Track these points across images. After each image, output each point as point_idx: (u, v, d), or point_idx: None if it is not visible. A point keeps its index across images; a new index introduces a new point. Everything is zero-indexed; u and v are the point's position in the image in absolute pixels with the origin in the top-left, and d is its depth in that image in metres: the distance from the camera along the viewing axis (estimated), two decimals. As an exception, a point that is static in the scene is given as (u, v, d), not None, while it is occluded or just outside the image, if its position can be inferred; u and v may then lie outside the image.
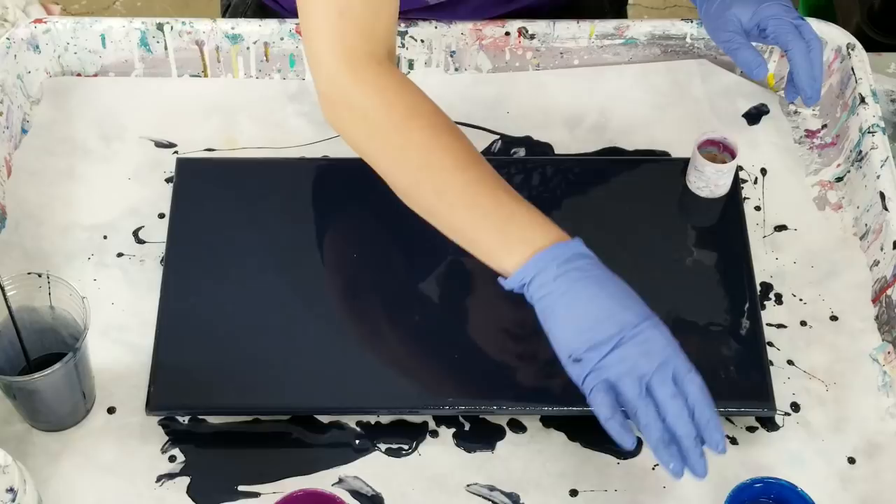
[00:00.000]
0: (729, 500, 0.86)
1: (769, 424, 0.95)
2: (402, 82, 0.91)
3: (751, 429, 0.95)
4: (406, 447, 0.94)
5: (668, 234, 1.04)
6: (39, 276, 0.90)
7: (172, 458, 0.93)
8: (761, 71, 1.05)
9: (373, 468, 0.92)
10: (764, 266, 1.03)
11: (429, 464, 0.93)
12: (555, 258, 0.84)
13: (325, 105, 0.92)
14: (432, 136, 0.89)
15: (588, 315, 0.83)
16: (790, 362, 0.98)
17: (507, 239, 0.86)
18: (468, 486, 0.92)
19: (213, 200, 1.05)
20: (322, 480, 0.92)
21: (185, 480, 0.92)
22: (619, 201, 1.06)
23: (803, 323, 1.00)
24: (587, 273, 0.84)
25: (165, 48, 1.14)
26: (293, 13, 1.15)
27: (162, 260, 1.02)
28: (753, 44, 1.07)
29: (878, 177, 1.04)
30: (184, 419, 0.94)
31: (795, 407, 0.96)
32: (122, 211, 1.06)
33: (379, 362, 0.96)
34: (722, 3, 1.06)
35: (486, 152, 1.10)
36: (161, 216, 1.05)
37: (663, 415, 0.82)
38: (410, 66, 1.15)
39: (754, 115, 1.14)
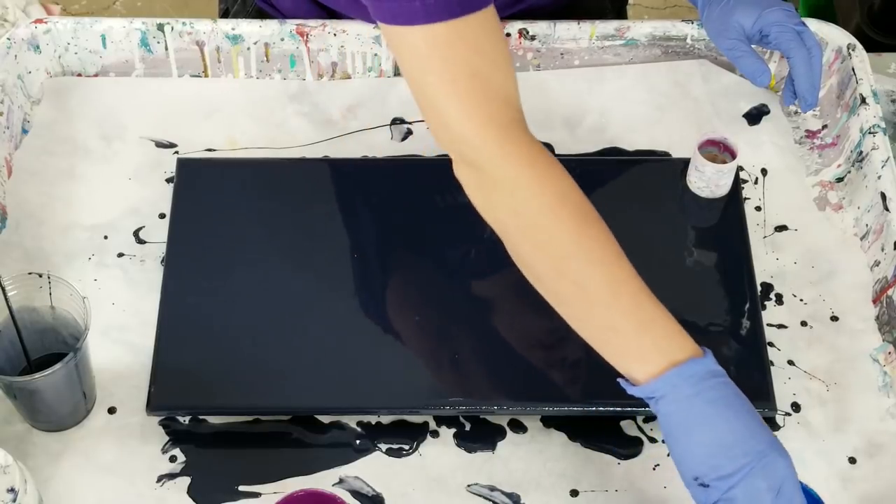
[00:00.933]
0: None
1: (770, 424, 0.95)
2: (552, 161, 0.86)
3: (751, 429, 0.95)
4: (407, 447, 0.94)
5: (668, 234, 1.04)
6: (40, 276, 0.90)
7: (173, 459, 0.93)
8: (765, 79, 1.05)
9: (373, 468, 0.92)
10: (764, 266, 1.03)
11: (429, 464, 0.93)
12: (691, 376, 0.81)
13: (464, 171, 0.87)
14: (582, 224, 0.84)
15: (719, 440, 0.80)
16: (791, 362, 0.98)
17: (642, 345, 0.82)
18: (469, 486, 0.92)
19: (214, 200, 1.05)
20: (323, 480, 0.92)
21: (186, 480, 0.92)
22: (619, 201, 1.05)
23: (804, 323, 1.00)
24: (720, 394, 0.81)
25: (166, 48, 1.14)
26: (287, 15, 1.15)
27: (162, 260, 1.02)
28: (754, 47, 1.07)
29: (879, 177, 1.04)
30: (184, 419, 0.94)
31: (796, 407, 0.96)
32: (123, 211, 1.06)
33: (379, 362, 0.96)
34: (724, 8, 1.06)
35: (487, 152, 1.10)
36: (161, 216, 1.05)
37: None
38: (411, 66, 1.15)
39: (755, 116, 1.13)
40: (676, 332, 0.83)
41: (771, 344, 0.98)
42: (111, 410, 0.95)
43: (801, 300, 1.02)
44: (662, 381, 0.81)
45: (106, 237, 1.04)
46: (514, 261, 0.87)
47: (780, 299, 1.02)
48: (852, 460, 0.93)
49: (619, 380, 0.84)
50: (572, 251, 0.84)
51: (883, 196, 1.02)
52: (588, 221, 0.85)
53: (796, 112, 1.14)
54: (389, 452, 0.93)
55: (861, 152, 1.07)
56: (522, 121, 0.86)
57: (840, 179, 1.09)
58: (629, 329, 0.83)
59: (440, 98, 0.84)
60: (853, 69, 1.11)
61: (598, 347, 0.84)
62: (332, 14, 1.15)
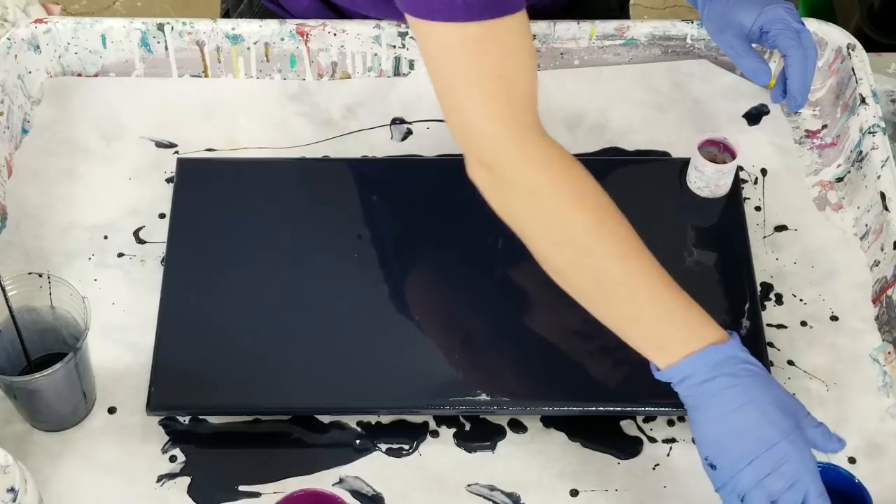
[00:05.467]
0: None
1: (769, 424, 0.95)
2: (569, 161, 0.86)
3: (751, 429, 0.95)
4: (406, 447, 0.94)
5: (668, 234, 1.04)
6: (40, 276, 0.90)
7: (173, 458, 0.93)
8: (765, 78, 1.05)
9: (373, 468, 0.93)
10: (764, 266, 1.03)
11: (429, 464, 0.93)
12: (706, 363, 0.83)
13: (480, 172, 0.87)
14: (598, 222, 0.85)
15: (728, 425, 0.83)
16: (790, 362, 0.98)
17: (661, 336, 0.85)
18: (468, 486, 0.92)
19: (213, 200, 1.05)
20: (322, 480, 0.92)
21: (186, 480, 0.92)
22: (619, 201, 1.04)
23: (803, 323, 1.00)
24: (736, 380, 0.83)
25: (166, 48, 1.14)
26: (297, 17, 1.15)
27: (162, 260, 1.02)
28: (753, 45, 1.07)
29: (879, 177, 1.04)
30: (184, 419, 0.94)
31: (796, 407, 0.96)
32: (123, 211, 1.06)
33: (379, 362, 0.96)
34: (725, 6, 1.06)
35: (487, 152, 1.10)
36: (161, 216, 1.05)
37: None
38: (411, 66, 1.15)
39: (754, 116, 1.13)
40: (696, 322, 0.85)
41: (771, 344, 0.98)
42: (111, 410, 0.95)
43: (801, 300, 1.02)
44: (678, 368, 0.84)
45: (106, 237, 1.04)
46: (533, 256, 0.87)
47: (779, 299, 1.02)
48: (852, 460, 0.93)
49: (651, 367, 0.86)
50: (590, 248, 0.85)
51: (883, 196, 1.02)
52: (606, 218, 0.86)
53: (796, 112, 1.14)
54: (389, 452, 0.93)
55: (861, 152, 1.07)
56: (539, 123, 0.87)
57: (840, 179, 1.09)
58: (648, 321, 0.85)
59: (463, 98, 0.85)
60: (853, 69, 1.11)
61: (621, 336, 0.86)
62: (343, 17, 1.15)
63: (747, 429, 0.82)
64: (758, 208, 1.07)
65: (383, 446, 0.94)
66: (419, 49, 0.87)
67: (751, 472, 0.81)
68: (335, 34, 1.12)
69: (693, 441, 0.94)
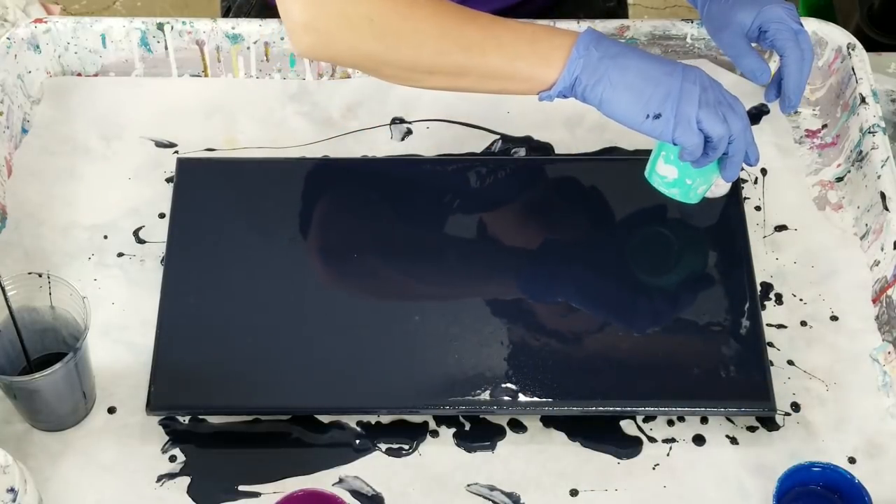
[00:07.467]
0: (781, 481, 0.87)
1: (769, 424, 0.95)
2: None
3: (751, 429, 0.95)
4: (406, 447, 0.94)
5: (669, 234, 1.04)
6: (40, 275, 0.90)
7: (173, 458, 0.93)
8: (765, 77, 1.05)
9: (373, 468, 0.93)
10: (764, 266, 1.03)
11: (429, 464, 0.93)
12: (589, 44, 0.92)
13: (312, 36, 0.92)
14: (435, 4, 0.92)
15: (647, 75, 0.91)
16: (790, 362, 0.98)
17: (541, 54, 0.92)
18: (468, 486, 0.92)
19: (213, 200, 1.05)
20: (322, 480, 0.92)
21: (186, 480, 0.92)
22: (619, 201, 1.06)
23: (803, 323, 1.00)
24: (617, 44, 0.92)
25: (166, 48, 1.14)
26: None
27: (162, 260, 1.02)
28: (752, 44, 1.07)
29: (879, 177, 1.04)
30: (184, 419, 0.94)
31: (796, 407, 0.96)
32: (123, 211, 1.06)
33: (379, 362, 0.96)
34: (724, 5, 1.06)
35: (486, 152, 1.10)
36: (161, 216, 1.05)
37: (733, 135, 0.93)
38: (411, 65, 1.15)
39: (754, 115, 1.13)
40: (553, 29, 0.94)
41: (771, 344, 0.98)
42: (111, 410, 0.95)
43: (801, 300, 1.02)
44: (572, 61, 0.92)
45: (106, 237, 1.04)
46: (410, 84, 0.97)
47: (779, 299, 1.02)
48: (852, 460, 0.93)
49: (540, 96, 0.94)
50: (443, 31, 0.92)
51: (882, 196, 1.02)
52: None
53: (796, 111, 1.14)
54: (389, 452, 0.93)
55: (861, 152, 1.07)
56: None
57: (840, 179, 1.09)
58: (524, 54, 0.93)
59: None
60: (853, 69, 1.11)
61: (508, 87, 0.95)
62: None
63: (660, 68, 0.91)
64: (758, 208, 1.07)
65: (383, 446, 0.94)
66: None
67: (688, 95, 0.90)
68: (335, 34, 1.12)
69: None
